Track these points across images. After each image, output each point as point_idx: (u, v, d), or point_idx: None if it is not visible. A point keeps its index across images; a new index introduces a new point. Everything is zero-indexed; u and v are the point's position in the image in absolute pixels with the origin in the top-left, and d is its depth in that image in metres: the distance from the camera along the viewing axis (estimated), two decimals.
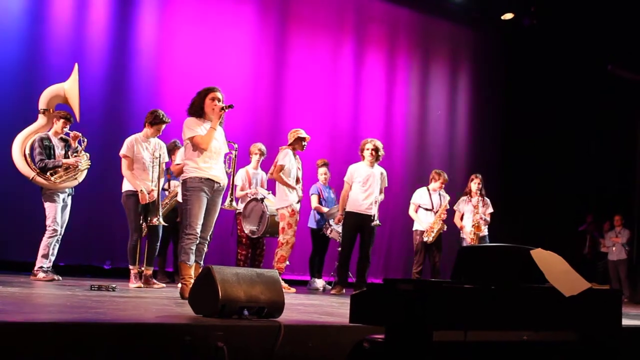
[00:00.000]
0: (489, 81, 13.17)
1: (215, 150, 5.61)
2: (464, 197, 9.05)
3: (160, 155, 7.05)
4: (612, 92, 12.12)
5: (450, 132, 12.81)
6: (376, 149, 8.12)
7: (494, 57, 13.29)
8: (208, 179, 5.53)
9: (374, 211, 7.98)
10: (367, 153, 8.13)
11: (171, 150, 7.89)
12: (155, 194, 6.93)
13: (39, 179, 7.02)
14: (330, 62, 11.45)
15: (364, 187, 8.03)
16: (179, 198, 7.44)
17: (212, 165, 5.59)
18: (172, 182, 8.01)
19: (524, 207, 12.30)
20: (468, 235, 8.81)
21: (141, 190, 6.83)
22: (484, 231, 8.84)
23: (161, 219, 6.97)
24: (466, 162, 12.67)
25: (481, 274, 2.93)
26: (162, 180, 7.20)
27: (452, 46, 12.94)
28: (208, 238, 5.68)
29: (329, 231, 9.05)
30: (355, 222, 8.02)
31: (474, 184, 8.96)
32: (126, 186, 7.01)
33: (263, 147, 8.44)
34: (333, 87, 11.43)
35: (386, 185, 8.33)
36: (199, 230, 5.50)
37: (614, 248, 11.86)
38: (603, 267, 12.21)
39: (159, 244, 7.22)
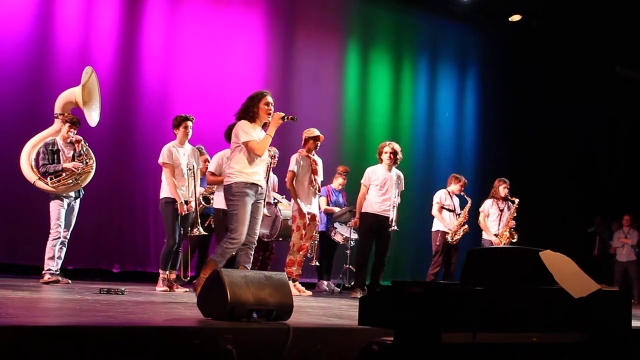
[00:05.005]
0: (496, 82, 13.14)
1: (263, 157, 5.56)
2: (490, 200, 9.02)
3: (194, 165, 7.06)
4: (619, 92, 12.08)
5: (458, 133, 12.79)
6: (394, 152, 7.96)
7: (501, 58, 13.26)
8: (253, 183, 5.44)
9: (392, 215, 7.87)
10: (385, 156, 7.98)
11: None
12: (193, 205, 6.95)
13: (40, 184, 7.11)
14: (338, 64, 11.45)
15: (381, 190, 7.88)
16: (215, 204, 7.41)
17: (257, 170, 5.50)
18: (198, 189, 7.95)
19: (532, 209, 12.26)
20: (494, 239, 8.78)
21: (180, 202, 6.86)
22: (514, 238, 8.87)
23: (201, 229, 7.02)
24: (474, 164, 12.66)
25: (490, 276, 2.92)
26: (199, 189, 7.20)
27: (460, 48, 12.93)
28: (255, 242, 5.59)
29: (332, 233, 9.03)
30: (372, 224, 7.87)
31: (503, 189, 8.93)
32: (164, 193, 7.03)
33: (272, 150, 8.30)
34: (340, 90, 11.43)
35: (403, 189, 8.17)
36: (244, 236, 5.41)
37: (623, 249, 11.68)
38: (610, 268, 12.10)
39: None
